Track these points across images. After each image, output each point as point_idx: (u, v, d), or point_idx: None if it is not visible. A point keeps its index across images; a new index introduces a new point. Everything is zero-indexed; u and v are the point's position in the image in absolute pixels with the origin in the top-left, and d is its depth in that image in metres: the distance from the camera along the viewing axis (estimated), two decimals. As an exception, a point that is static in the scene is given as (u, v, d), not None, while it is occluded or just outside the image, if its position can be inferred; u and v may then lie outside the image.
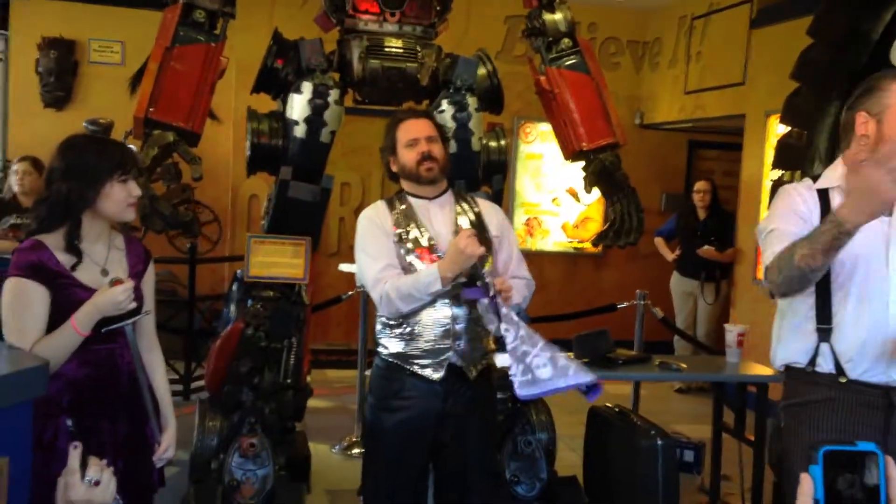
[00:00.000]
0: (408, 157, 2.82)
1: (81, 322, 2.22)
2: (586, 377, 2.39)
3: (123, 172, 2.35)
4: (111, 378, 2.37)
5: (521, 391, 2.35)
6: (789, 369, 2.40)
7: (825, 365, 2.29)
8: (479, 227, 2.85)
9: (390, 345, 2.80)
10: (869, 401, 2.26)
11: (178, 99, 3.44)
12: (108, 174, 2.32)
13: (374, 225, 2.82)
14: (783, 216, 2.35)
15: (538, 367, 2.36)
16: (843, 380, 2.27)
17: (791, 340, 2.38)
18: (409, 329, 2.76)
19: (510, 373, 2.39)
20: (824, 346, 2.29)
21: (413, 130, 2.84)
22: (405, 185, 2.90)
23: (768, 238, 2.33)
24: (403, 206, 2.85)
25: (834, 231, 2.05)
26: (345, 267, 5.16)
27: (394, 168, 2.90)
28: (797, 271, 2.14)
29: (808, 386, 2.33)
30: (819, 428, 2.29)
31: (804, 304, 2.32)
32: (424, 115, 2.98)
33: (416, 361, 2.76)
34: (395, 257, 2.76)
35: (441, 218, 2.85)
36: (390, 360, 2.80)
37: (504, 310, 2.45)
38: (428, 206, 2.86)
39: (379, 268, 2.74)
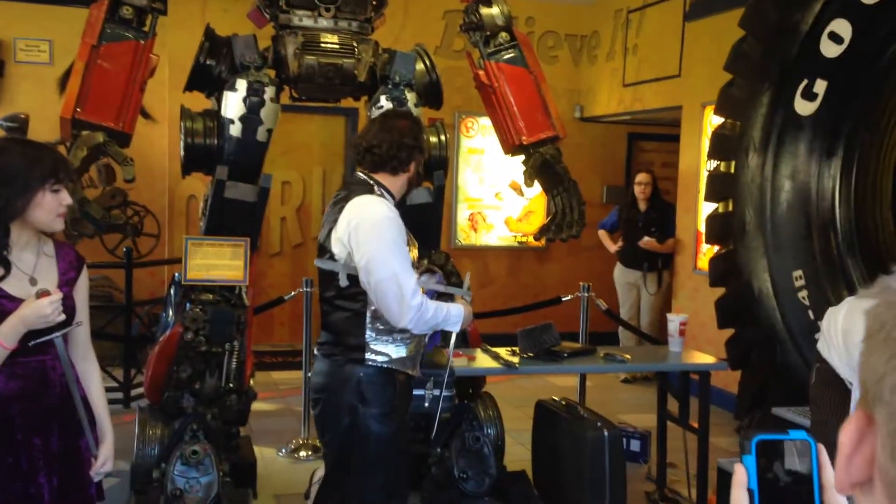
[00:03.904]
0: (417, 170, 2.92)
1: (6, 335, 2.12)
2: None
3: (56, 181, 2.24)
4: (42, 391, 2.28)
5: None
6: None
7: None
8: None
9: (391, 351, 2.76)
10: None
11: (107, 98, 3.33)
12: (40, 183, 2.21)
13: (400, 230, 2.72)
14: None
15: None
16: None
17: None
18: (408, 333, 2.77)
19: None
20: None
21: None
22: (394, 184, 2.83)
23: None
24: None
25: None
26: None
27: (412, 167, 2.85)
28: None
29: None
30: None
31: None
32: None
33: (410, 362, 2.84)
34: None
35: None
36: (385, 366, 2.76)
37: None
38: None
39: (415, 279, 2.70)
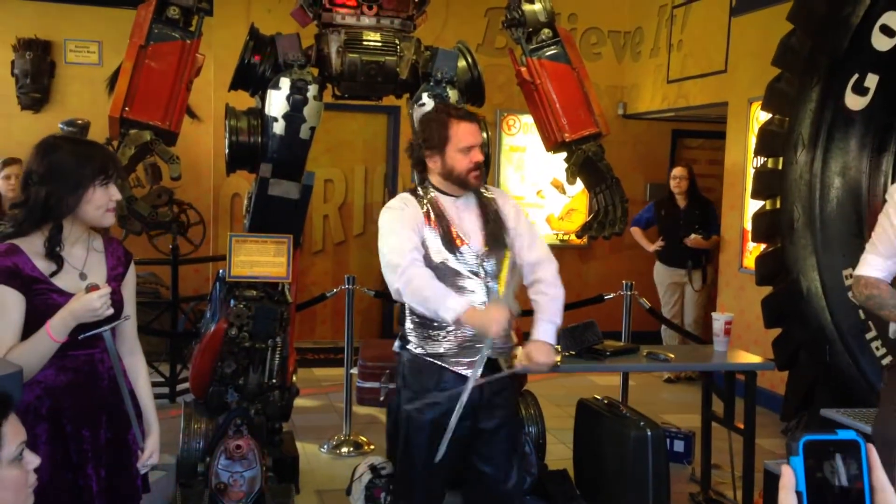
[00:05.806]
0: (461, 162, 2.82)
1: (56, 329, 2.17)
2: None
3: (106, 177, 2.28)
4: (91, 384, 2.32)
5: None
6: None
7: None
8: (498, 223, 2.90)
9: (426, 346, 2.83)
10: None
11: (154, 97, 3.38)
12: (91, 179, 2.25)
13: (404, 213, 2.80)
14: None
15: None
16: None
17: None
18: (445, 329, 2.79)
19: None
20: None
21: (471, 136, 2.83)
22: (437, 180, 2.89)
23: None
24: (431, 200, 2.86)
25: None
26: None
27: (432, 164, 2.86)
28: None
29: None
30: None
31: None
32: (475, 119, 2.94)
33: (454, 360, 2.81)
34: (420, 246, 2.78)
35: (468, 216, 2.89)
36: (426, 358, 2.83)
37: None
38: (455, 203, 2.89)
39: (404, 251, 2.71)
